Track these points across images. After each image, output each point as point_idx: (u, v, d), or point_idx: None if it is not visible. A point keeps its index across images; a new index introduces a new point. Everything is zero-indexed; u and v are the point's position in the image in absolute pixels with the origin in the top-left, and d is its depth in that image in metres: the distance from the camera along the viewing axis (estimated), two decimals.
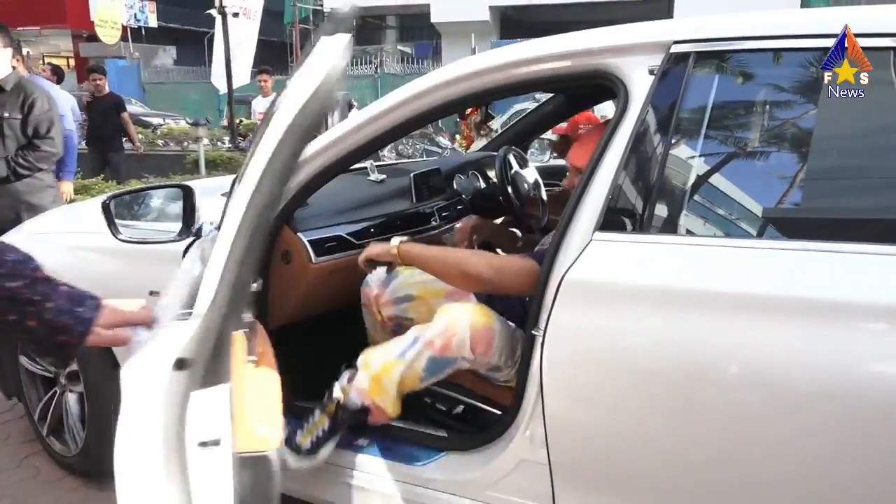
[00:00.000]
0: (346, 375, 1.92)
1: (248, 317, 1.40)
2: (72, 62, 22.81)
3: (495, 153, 2.66)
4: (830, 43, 1.38)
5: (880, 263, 1.30)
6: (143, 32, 23.35)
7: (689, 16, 1.85)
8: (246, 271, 1.15)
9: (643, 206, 1.53)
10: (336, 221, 2.29)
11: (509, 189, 2.42)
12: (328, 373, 2.41)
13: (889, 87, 1.39)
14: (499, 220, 2.60)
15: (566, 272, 1.51)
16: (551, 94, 3.12)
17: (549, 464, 1.59)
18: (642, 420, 1.48)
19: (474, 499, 1.74)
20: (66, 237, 2.55)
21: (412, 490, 1.82)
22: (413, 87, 1.85)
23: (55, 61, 14.29)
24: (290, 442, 1.87)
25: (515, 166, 2.53)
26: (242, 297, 1.18)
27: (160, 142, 14.22)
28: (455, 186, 2.93)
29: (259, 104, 8.12)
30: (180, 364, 1.10)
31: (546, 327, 1.53)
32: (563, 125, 3.62)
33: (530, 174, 2.59)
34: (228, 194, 2.14)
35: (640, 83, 1.56)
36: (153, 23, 22.63)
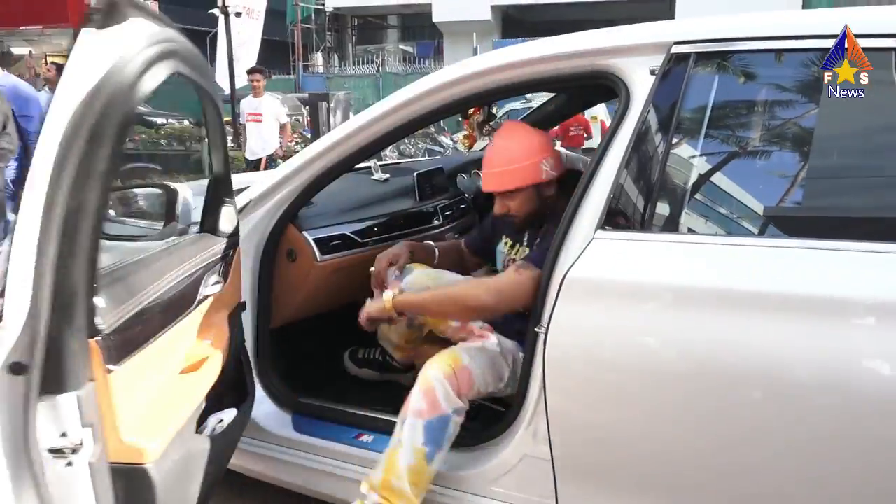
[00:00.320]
0: None
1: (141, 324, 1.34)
2: None
3: None
4: (831, 44, 1.40)
5: (882, 262, 1.31)
6: None
7: (690, 16, 1.87)
8: (71, 278, 1.10)
9: (644, 205, 1.54)
10: (340, 220, 2.31)
11: None
12: (330, 369, 2.44)
13: (890, 87, 1.41)
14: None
15: (568, 270, 1.53)
16: (553, 94, 3.13)
17: (552, 459, 1.61)
18: (643, 416, 1.50)
19: (478, 494, 1.76)
20: None
21: None
22: (416, 88, 1.87)
23: (58, 60, 14.30)
24: None
25: None
26: (75, 304, 1.12)
27: (163, 141, 14.22)
28: (458, 185, 2.95)
29: (249, 105, 7.66)
30: (16, 369, 1.07)
31: (548, 325, 1.55)
32: (556, 128, 3.64)
33: None
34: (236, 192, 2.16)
35: (641, 83, 1.58)
36: None
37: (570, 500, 1.63)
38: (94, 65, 1.10)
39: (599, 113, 5.80)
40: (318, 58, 25.13)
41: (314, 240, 2.17)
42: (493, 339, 1.89)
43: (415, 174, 2.69)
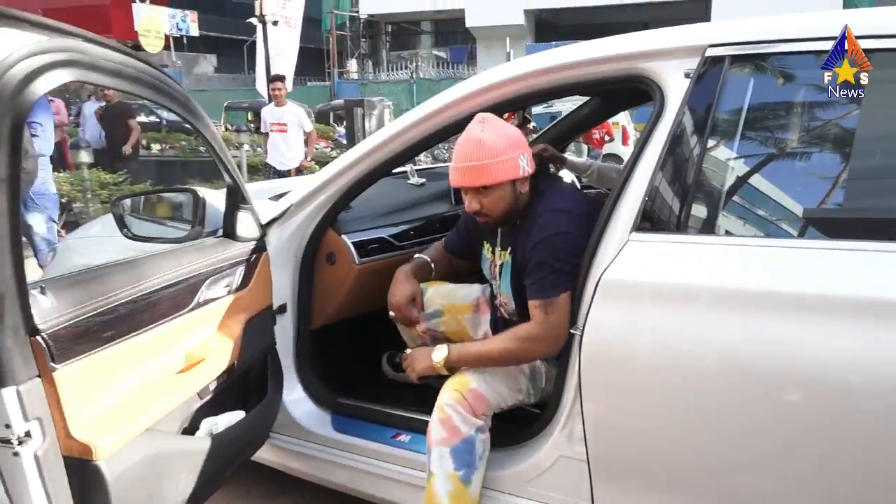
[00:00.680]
0: None
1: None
2: None
3: None
4: (867, 44, 1.39)
5: None
6: (185, 41, 23.87)
7: (727, 17, 1.87)
8: None
9: (679, 207, 1.55)
10: (378, 224, 2.36)
11: None
12: (368, 370, 2.48)
13: None
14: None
15: (603, 272, 1.55)
16: (588, 98, 3.14)
17: (588, 459, 1.63)
18: (679, 417, 1.50)
19: (514, 493, 1.79)
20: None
21: None
22: (451, 94, 1.90)
23: None
24: None
25: (551, 167, 2.56)
26: (5, 305, 1.16)
27: (202, 148, 14.52)
28: None
29: (271, 114, 7.20)
30: None
31: (584, 326, 1.57)
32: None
33: (566, 175, 2.62)
34: (276, 197, 2.22)
35: (675, 86, 1.59)
36: (195, 32, 23.11)
37: (605, 500, 1.65)
38: None
39: (621, 118, 5.78)
40: (352, 64, 25.42)
41: (353, 243, 2.22)
42: None
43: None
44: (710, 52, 1.56)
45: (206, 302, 1.73)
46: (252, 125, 13.45)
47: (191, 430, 1.70)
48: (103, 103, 8.09)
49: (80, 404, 1.33)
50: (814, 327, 1.34)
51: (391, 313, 2.03)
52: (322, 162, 7.86)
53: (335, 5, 24.31)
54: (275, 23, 11.38)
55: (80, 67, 1.33)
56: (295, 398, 2.16)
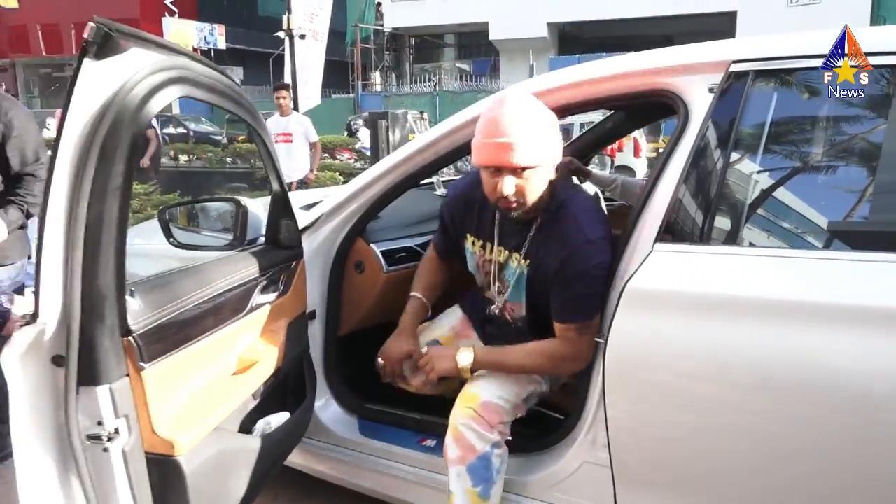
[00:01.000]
0: None
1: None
2: None
3: None
4: (887, 61, 1.42)
5: None
6: (212, 54, 24.33)
7: (752, 32, 1.90)
8: (98, 282, 1.22)
9: (703, 219, 1.58)
10: (405, 234, 2.41)
11: None
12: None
13: None
14: None
15: (627, 281, 1.58)
16: (612, 111, 3.17)
17: (611, 466, 1.66)
18: (702, 425, 1.53)
19: (538, 499, 1.82)
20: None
21: None
22: (476, 109, 1.95)
23: None
24: None
25: (575, 180, 2.60)
26: (104, 305, 1.24)
27: (228, 159, 14.76)
28: None
29: (276, 124, 6.76)
30: (58, 361, 1.21)
31: (608, 335, 1.60)
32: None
33: (590, 188, 2.66)
34: (307, 207, 2.29)
35: (699, 101, 1.62)
36: (222, 45, 23.54)
37: None
38: (97, 92, 1.22)
39: (633, 132, 5.82)
40: (376, 77, 25.63)
41: (381, 252, 2.27)
42: None
43: None
44: (734, 68, 1.59)
45: (258, 307, 1.80)
46: None
47: (244, 429, 1.77)
48: None
49: (163, 403, 1.39)
50: (832, 336, 1.36)
51: (379, 361, 1.98)
52: (355, 173, 7.90)
53: (360, 18, 24.59)
54: (302, 37, 11.53)
55: (188, 84, 1.42)
56: (323, 403, 2.21)
